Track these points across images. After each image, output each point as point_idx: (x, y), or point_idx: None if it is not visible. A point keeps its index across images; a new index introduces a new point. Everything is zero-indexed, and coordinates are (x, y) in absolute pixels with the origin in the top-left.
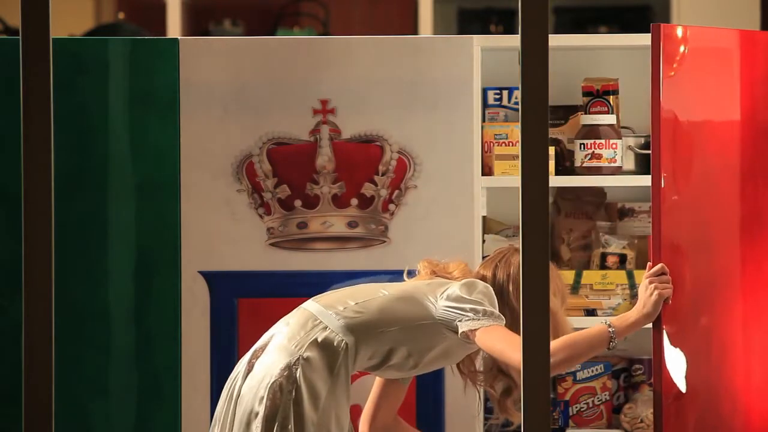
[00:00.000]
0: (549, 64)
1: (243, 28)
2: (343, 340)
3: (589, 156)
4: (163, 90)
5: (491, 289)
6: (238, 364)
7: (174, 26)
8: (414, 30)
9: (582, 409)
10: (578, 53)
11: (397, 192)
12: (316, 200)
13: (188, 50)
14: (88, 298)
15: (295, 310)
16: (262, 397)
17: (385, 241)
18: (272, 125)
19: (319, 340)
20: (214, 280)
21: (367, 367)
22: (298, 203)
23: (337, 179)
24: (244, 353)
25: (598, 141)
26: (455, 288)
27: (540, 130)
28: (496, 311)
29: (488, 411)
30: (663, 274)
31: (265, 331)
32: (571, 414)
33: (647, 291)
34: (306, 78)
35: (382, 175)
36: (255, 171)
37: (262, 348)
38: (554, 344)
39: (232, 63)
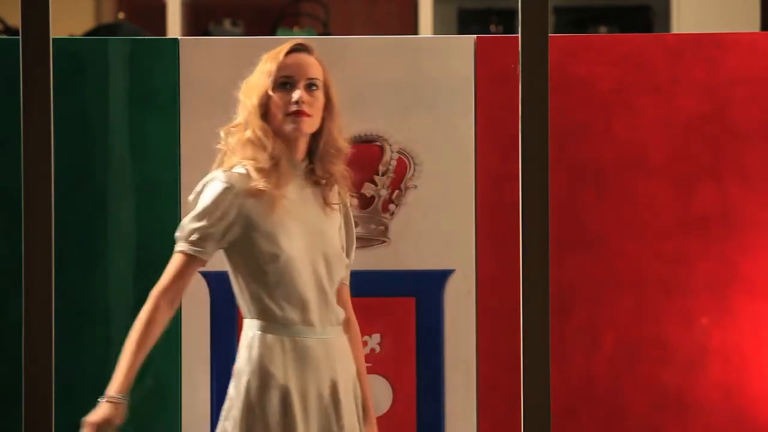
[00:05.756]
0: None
1: (243, 28)
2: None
3: None
4: (163, 90)
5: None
6: None
7: (174, 26)
8: (414, 30)
9: None
10: None
11: (397, 192)
12: None
13: (188, 50)
14: (88, 298)
15: None
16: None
17: (385, 241)
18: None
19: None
20: (214, 280)
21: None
22: None
23: None
24: None
25: None
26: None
27: (540, 130)
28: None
29: None
30: None
31: None
32: None
33: None
34: None
35: (382, 175)
36: None
37: None
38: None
39: (232, 63)
